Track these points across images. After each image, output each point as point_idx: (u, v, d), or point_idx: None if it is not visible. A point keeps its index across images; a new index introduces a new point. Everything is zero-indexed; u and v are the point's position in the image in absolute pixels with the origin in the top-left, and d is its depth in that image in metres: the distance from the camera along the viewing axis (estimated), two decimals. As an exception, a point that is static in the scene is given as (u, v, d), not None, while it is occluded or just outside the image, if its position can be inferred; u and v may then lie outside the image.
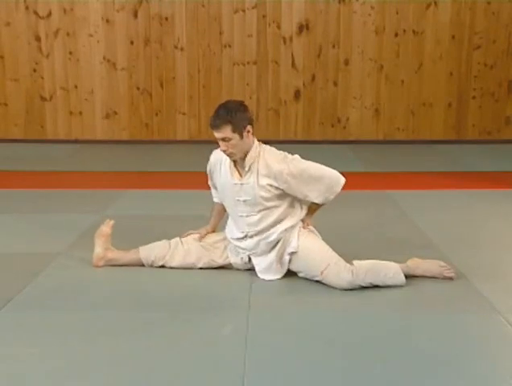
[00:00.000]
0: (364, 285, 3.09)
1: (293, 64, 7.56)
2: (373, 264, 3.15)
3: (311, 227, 3.30)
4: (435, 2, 7.45)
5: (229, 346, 2.58)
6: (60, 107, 7.65)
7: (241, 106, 3.12)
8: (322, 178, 3.18)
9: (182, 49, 7.52)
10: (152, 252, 3.39)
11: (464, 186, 5.41)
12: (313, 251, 3.18)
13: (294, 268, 3.23)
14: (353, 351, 2.53)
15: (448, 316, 2.86)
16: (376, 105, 7.68)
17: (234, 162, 3.18)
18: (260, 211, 3.18)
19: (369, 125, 7.72)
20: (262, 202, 3.16)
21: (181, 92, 7.61)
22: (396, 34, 7.52)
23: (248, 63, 7.55)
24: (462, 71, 7.62)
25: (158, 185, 5.50)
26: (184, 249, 3.36)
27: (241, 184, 3.17)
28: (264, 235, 3.21)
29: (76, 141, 7.65)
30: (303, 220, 3.26)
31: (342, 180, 3.24)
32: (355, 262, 3.15)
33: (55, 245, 3.78)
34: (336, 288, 3.10)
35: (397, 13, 7.47)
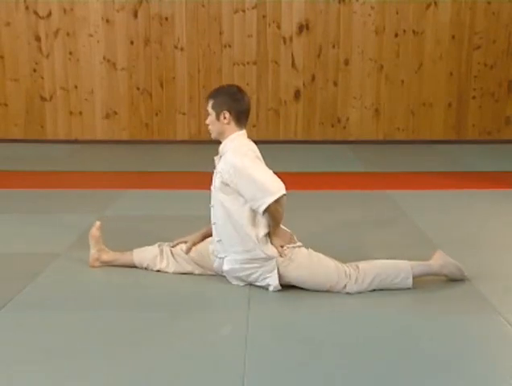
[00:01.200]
0: (368, 290, 3.07)
1: (293, 64, 7.56)
2: (381, 268, 3.09)
3: (287, 247, 3.10)
4: (435, 2, 7.45)
5: (229, 346, 2.58)
6: (60, 107, 7.65)
7: (234, 94, 3.16)
8: (257, 182, 2.98)
9: (182, 49, 7.52)
10: (145, 258, 3.37)
11: (464, 186, 5.41)
12: (307, 280, 3.08)
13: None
14: (352, 351, 2.53)
15: (448, 316, 2.86)
16: (376, 105, 7.68)
17: None
18: (217, 202, 3.13)
19: (369, 125, 7.72)
20: (218, 191, 3.12)
21: (181, 92, 7.61)
22: (396, 35, 7.52)
23: (248, 63, 7.55)
24: (462, 71, 7.62)
25: (158, 185, 5.50)
26: (175, 263, 3.34)
27: (216, 172, 3.17)
28: (226, 240, 3.11)
29: (76, 141, 7.65)
30: (274, 245, 3.08)
31: (279, 193, 2.97)
32: (361, 266, 3.09)
33: (55, 245, 3.78)
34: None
35: (397, 13, 7.47)
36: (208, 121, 3.19)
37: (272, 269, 3.07)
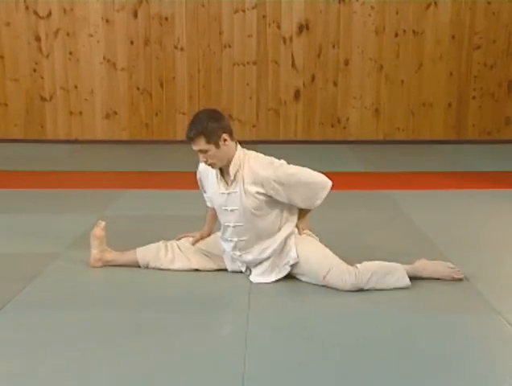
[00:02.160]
0: (366, 288, 3.07)
1: (293, 64, 7.56)
2: (377, 266, 3.11)
3: (307, 232, 3.24)
4: (435, 2, 7.45)
5: (229, 346, 2.58)
6: (60, 107, 7.65)
7: (213, 115, 3.05)
8: (309, 183, 3.10)
9: (182, 49, 7.53)
10: (148, 254, 3.37)
11: (464, 186, 5.41)
12: (312, 257, 3.13)
13: (294, 273, 3.20)
14: (352, 351, 2.53)
15: (448, 316, 2.86)
16: (376, 105, 7.68)
17: (221, 171, 3.13)
18: (248, 220, 3.10)
19: (369, 125, 7.72)
20: (250, 210, 3.08)
21: (181, 92, 7.62)
22: (396, 35, 7.52)
23: (248, 63, 7.55)
24: (462, 71, 7.62)
25: (158, 185, 5.50)
26: (181, 255, 3.34)
27: (228, 193, 3.10)
28: (256, 249, 3.15)
29: (76, 141, 7.65)
30: (297, 226, 3.20)
31: (329, 184, 3.14)
32: (359, 265, 3.11)
33: (55, 245, 3.78)
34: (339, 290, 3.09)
35: (397, 13, 7.47)
36: (205, 158, 3.03)
37: (291, 245, 3.15)
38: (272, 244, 3.15)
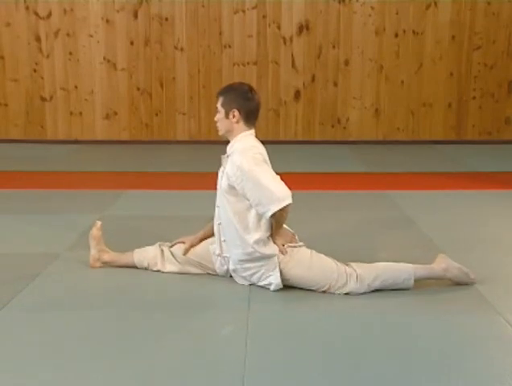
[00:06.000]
0: (369, 291, 3.06)
1: (293, 65, 7.57)
2: (383, 269, 3.07)
3: (289, 245, 3.11)
4: (435, 2, 7.45)
5: (229, 346, 2.58)
6: (60, 107, 7.65)
7: (244, 92, 3.13)
8: (263, 187, 2.95)
9: (182, 49, 7.53)
10: (145, 258, 3.37)
11: (464, 186, 5.41)
12: (305, 279, 3.06)
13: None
14: (352, 351, 2.53)
15: (448, 316, 2.86)
16: (376, 105, 7.68)
17: None
18: (222, 201, 3.11)
19: (369, 126, 7.73)
20: (223, 191, 3.10)
21: (181, 93, 7.62)
22: (396, 35, 7.52)
23: (248, 63, 7.55)
24: (462, 72, 7.62)
25: (158, 185, 5.50)
26: (175, 262, 3.33)
27: (223, 171, 3.17)
28: (230, 242, 3.11)
29: (76, 142, 7.65)
30: (276, 243, 3.07)
31: (285, 201, 2.94)
32: (363, 267, 3.07)
33: (55, 246, 3.78)
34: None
35: (397, 13, 7.47)
36: (216, 118, 3.16)
37: (274, 267, 3.06)
38: (243, 245, 3.05)
